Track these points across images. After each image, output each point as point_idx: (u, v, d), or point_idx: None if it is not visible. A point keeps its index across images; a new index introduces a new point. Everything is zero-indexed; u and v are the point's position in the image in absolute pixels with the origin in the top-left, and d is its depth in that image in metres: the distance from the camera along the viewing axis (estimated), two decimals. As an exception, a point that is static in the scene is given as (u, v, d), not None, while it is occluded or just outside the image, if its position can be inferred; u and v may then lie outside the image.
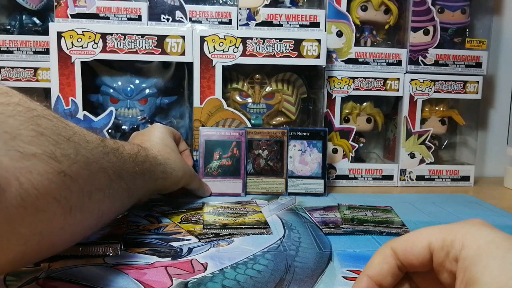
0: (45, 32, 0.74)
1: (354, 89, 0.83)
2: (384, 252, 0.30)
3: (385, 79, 0.83)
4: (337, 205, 0.65)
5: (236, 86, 0.78)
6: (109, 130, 0.74)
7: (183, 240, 0.50)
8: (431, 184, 0.86)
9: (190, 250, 0.47)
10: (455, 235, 0.26)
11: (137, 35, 0.72)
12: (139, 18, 0.75)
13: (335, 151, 0.84)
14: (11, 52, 0.76)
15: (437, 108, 0.87)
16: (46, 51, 0.75)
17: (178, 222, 0.56)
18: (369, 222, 0.56)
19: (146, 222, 0.56)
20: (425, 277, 0.30)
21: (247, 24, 0.77)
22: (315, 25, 0.78)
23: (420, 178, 0.85)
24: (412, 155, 0.85)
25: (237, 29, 0.77)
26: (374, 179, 0.85)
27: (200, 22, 0.76)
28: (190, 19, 0.76)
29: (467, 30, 0.88)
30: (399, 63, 0.83)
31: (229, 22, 0.77)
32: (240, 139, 0.72)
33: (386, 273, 0.29)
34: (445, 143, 0.91)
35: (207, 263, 0.44)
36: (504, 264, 0.24)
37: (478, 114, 0.92)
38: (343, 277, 0.42)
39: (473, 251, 0.25)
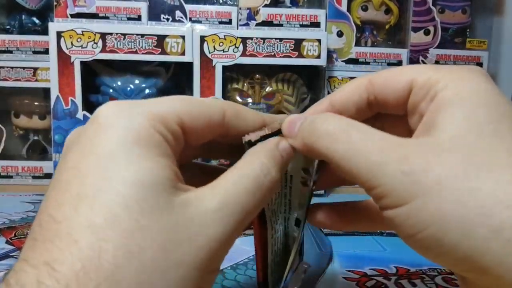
0: (45, 32, 0.73)
1: (354, 89, 0.82)
2: (359, 82, 0.26)
3: (386, 79, 0.83)
4: (337, 206, 0.64)
5: (236, 86, 0.78)
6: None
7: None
8: (431, 184, 0.86)
9: (189, 251, 0.46)
10: (444, 75, 0.23)
11: (137, 35, 0.72)
12: (139, 18, 0.75)
13: (335, 151, 0.84)
14: (11, 52, 0.76)
15: (437, 109, 0.87)
16: (46, 51, 0.75)
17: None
18: (369, 222, 0.56)
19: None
20: (394, 121, 0.27)
21: (247, 24, 0.77)
22: (316, 25, 0.78)
23: (420, 178, 0.85)
24: (412, 156, 0.85)
25: (237, 29, 0.76)
26: (374, 179, 0.84)
27: (200, 22, 0.76)
28: (190, 19, 0.76)
29: (468, 30, 0.88)
30: (399, 63, 0.83)
31: (229, 22, 0.76)
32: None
33: (352, 105, 0.26)
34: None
35: (206, 263, 0.43)
36: (470, 118, 0.21)
37: (479, 114, 0.92)
38: (344, 277, 0.41)
39: (451, 95, 0.22)
